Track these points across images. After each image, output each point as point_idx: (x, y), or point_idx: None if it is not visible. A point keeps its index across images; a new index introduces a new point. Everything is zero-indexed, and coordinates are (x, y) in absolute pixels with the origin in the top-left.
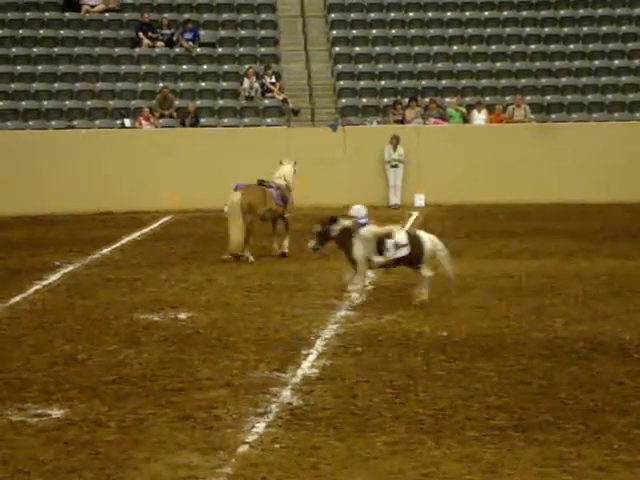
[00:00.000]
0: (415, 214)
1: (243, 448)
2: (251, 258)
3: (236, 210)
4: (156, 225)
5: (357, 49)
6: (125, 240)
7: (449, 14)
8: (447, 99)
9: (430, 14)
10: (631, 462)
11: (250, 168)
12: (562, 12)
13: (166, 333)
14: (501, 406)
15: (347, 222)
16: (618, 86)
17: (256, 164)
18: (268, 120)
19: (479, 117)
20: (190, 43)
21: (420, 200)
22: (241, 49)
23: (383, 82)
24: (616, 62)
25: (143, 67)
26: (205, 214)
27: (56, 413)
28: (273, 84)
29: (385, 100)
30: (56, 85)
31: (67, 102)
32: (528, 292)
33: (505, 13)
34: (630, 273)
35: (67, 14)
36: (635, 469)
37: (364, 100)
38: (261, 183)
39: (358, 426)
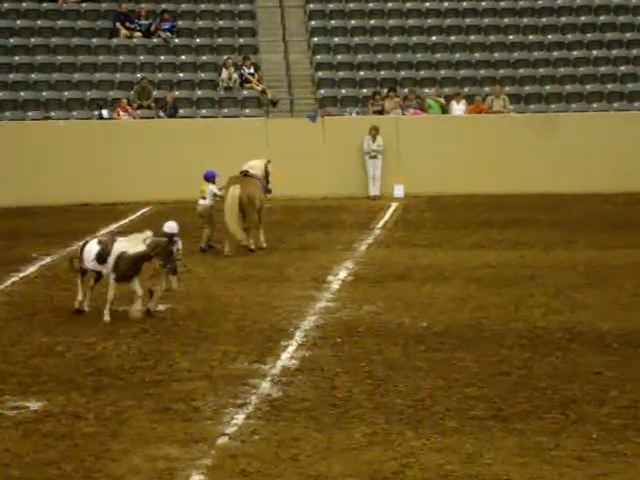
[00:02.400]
0: (393, 205)
1: (222, 440)
2: (252, 247)
3: (235, 204)
4: (134, 216)
5: (336, 39)
6: (103, 232)
7: (427, 4)
8: (426, 90)
9: (408, 4)
10: (609, 452)
11: (229, 159)
12: (540, 2)
13: (145, 325)
14: (480, 396)
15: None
16: (597, 76)
17: (235, 155)
18: (247, 111)
19: (458, 108)
20: (168, 34)
21: (399, 191)
22: (219, 40)
23: (362, 73)
24: (594, 52)
25: (121, 58)
26: (184, 205)
27: (34, 405)
28: (252, 75)
29: (364, 91)
30: (33, 76)
31: (44, 93)
32: (507, 283)
33: (483, 4)
34: (609, 264)
35: (44, 4)
36: (613, 458)
37: (343, 91)
38: (246, 174)
39: (338, 417)
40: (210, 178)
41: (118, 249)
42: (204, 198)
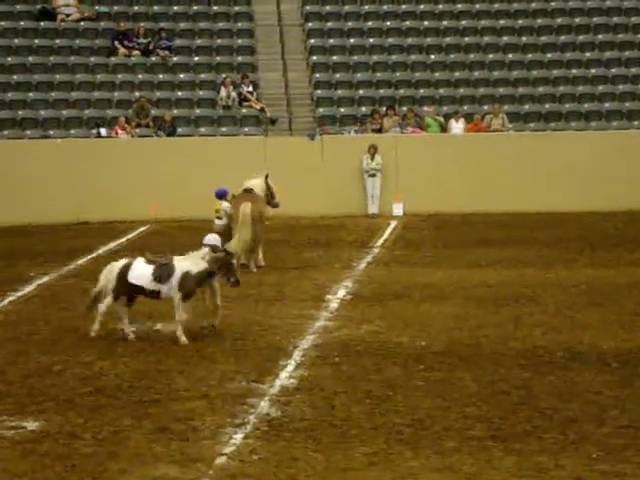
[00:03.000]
0: (393, 223)
1: (221, 460)
2: (254, 269)
3: (248, 221)
4: (133, 235)
5: (334, 58)
6: (101, 250)
7: (426, 23)
8: (425, 108)
9: (407, 23)
10: (609, 472)
11: (227, 178)
12: (540, 21)
13: (142, 344)
14: (479, 416)
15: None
16: (595, 95)
17: (234, 173)
18: (245, 129)
19: (457, 126)
20: (166, 52)
21: (398, 209)
22: (218, 58)
23: (361, 91)
24: (593, 71)
25: (119, 76)
26: (182, 224)
27: (31, 425)
28: (250, 93)
29: (363, 109)
30: (31, 94)
31: (42, 112)
32: (507, 301)
33: (483, 22)
34: (608, 282)
35: (42, 23)
36: (613, 479)
37: (342, 109)
38: (250, 192)
39: (336, 437)
40: (222, 195)
41: (181, 268)
42: (219, 218)
